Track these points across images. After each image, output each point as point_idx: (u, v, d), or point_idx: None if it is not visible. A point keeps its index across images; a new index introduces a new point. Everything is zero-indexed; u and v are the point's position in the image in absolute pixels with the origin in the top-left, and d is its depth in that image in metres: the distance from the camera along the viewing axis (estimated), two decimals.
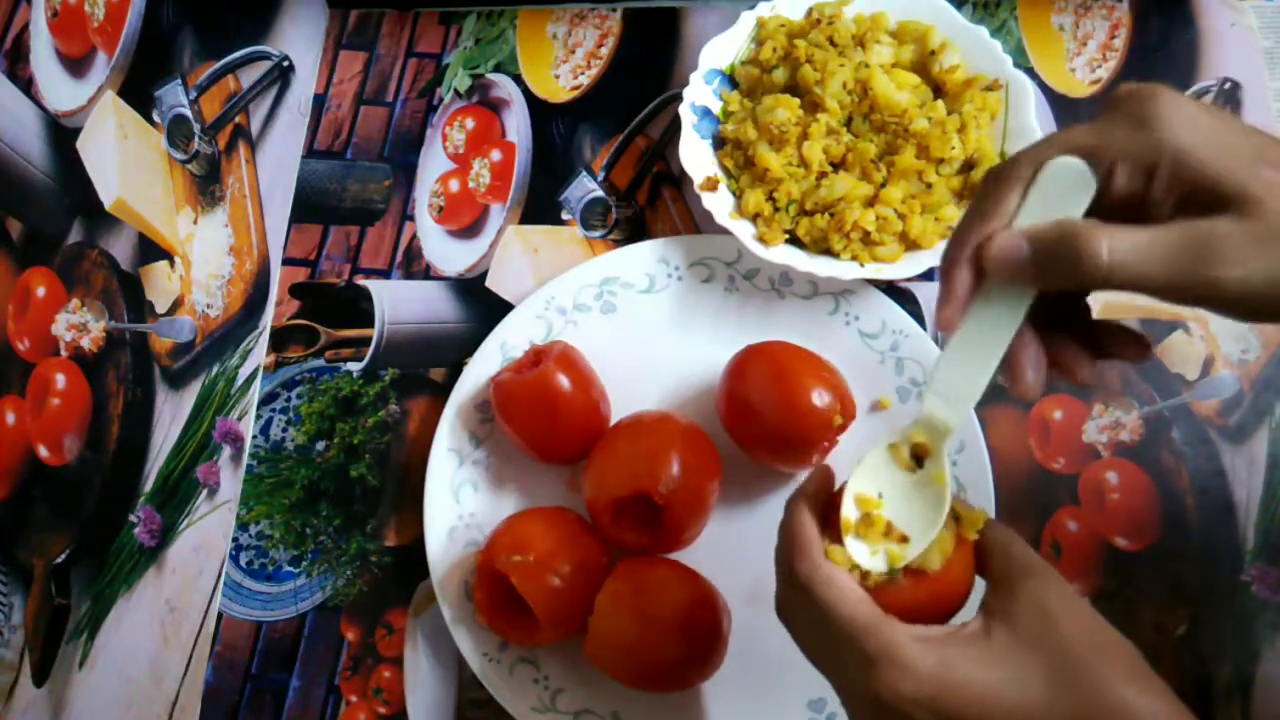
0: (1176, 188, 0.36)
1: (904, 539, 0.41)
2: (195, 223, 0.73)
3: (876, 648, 0.37)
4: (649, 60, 0.74)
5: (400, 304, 0.69)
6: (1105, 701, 0.36)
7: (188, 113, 0.76)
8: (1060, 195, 0.38)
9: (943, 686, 0.36)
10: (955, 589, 0.41)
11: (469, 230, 0.71)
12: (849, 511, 0.42)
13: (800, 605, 0.41)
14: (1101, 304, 0.63)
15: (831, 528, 0.42)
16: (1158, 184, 0.37)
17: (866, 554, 0.41)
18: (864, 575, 0.41)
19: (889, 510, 0.42)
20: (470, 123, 0.74)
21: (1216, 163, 0.36)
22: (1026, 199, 0.38)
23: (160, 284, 0.71)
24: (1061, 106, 0.69)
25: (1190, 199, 0.36)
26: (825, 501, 0.44)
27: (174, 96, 0.76)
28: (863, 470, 0.43)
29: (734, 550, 0.59)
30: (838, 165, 0.63)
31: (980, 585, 0.41)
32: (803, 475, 0.60)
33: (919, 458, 0.43)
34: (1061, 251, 0.37)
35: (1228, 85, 0.68)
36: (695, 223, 0.69)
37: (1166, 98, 0.37)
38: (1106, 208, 0.38)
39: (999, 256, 0.38)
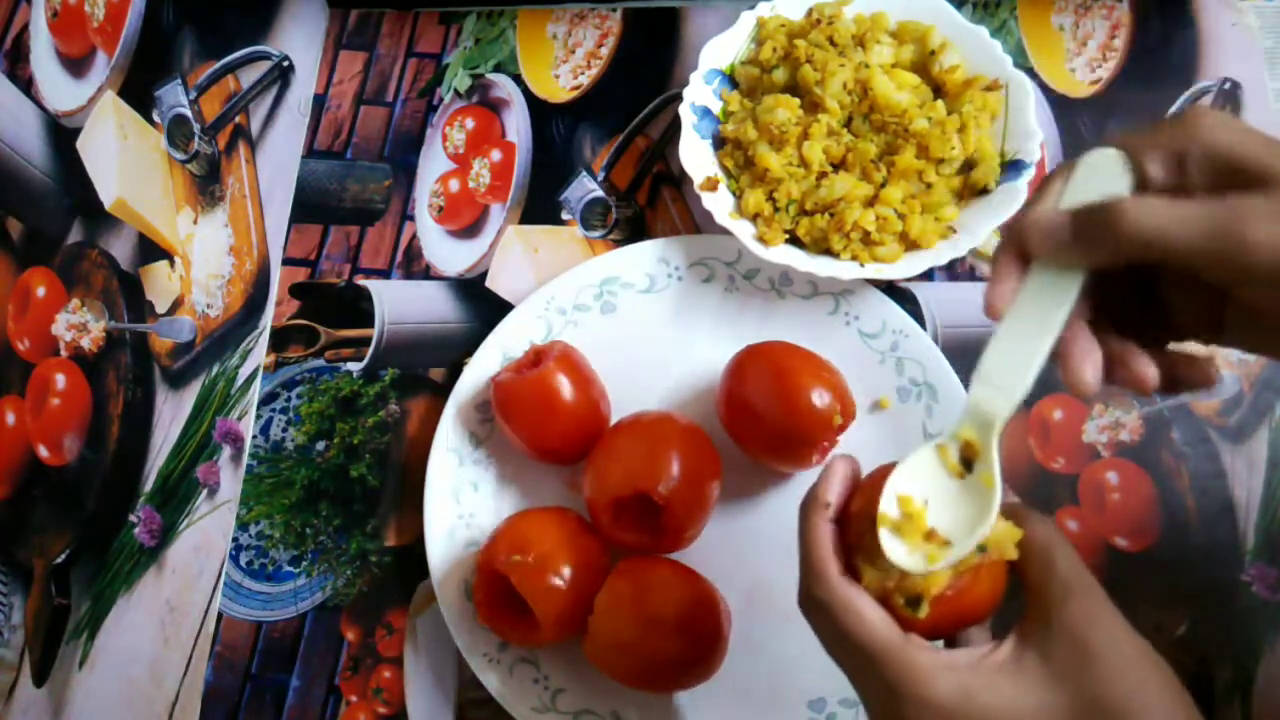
0: (1209, 173, 0.37)
1: (945, 543, 0.39)
2: (195, 223, 0.73)
3: (895, 675, 0.37)
4: (649, 60, 0.74)
5: (400, 304, 0.69)
6: None
7: (188, 113, 0.76)
8: (1099, 183, 0.39)
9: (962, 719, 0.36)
10: (980, 602, 0.39)
11: (469, 230, 0.71)
12: (888, 508, 0.40)
13: (818, 619, 0.40)
14: None
15: (851, 529, 0.40)
16: (1191, 170, 0.38)
17: (904, 553, 0.39)
18: (885, 590, 0.39)
19: (934, 517, 0.40)
20: (470, 123, 0.74)
21: (1244, 147, 0.37)
22: (1067, 186, 0.40)
23: (160, 284, 0.71)
24: (1061, 106, 0.69)
25: (1224, 186, 0.37)
26: (846, 500, 0.42)
27: (174, 96, 0.76)
28: (907, 469, 0.41)
29: (734, 550, 0.59)
30: (838, 165, 0.63)
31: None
32: (803, 475, 0.60)
33: (968, 461, 0.41)
34: (1096, 218, 0.38)
35: (1228, 85, 0.68)
36: (695, 223, 0.69)
37: (1201, 108, 0.40)
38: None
39: (1039, 229, 0.39)
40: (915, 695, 0.36)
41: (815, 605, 0.39)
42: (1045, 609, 0.37)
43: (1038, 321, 0.39)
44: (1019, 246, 0.40)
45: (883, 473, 0.41)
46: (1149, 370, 0.40)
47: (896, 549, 0.39)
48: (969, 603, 0.39)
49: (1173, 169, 0.38)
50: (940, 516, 0.40)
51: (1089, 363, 0.39)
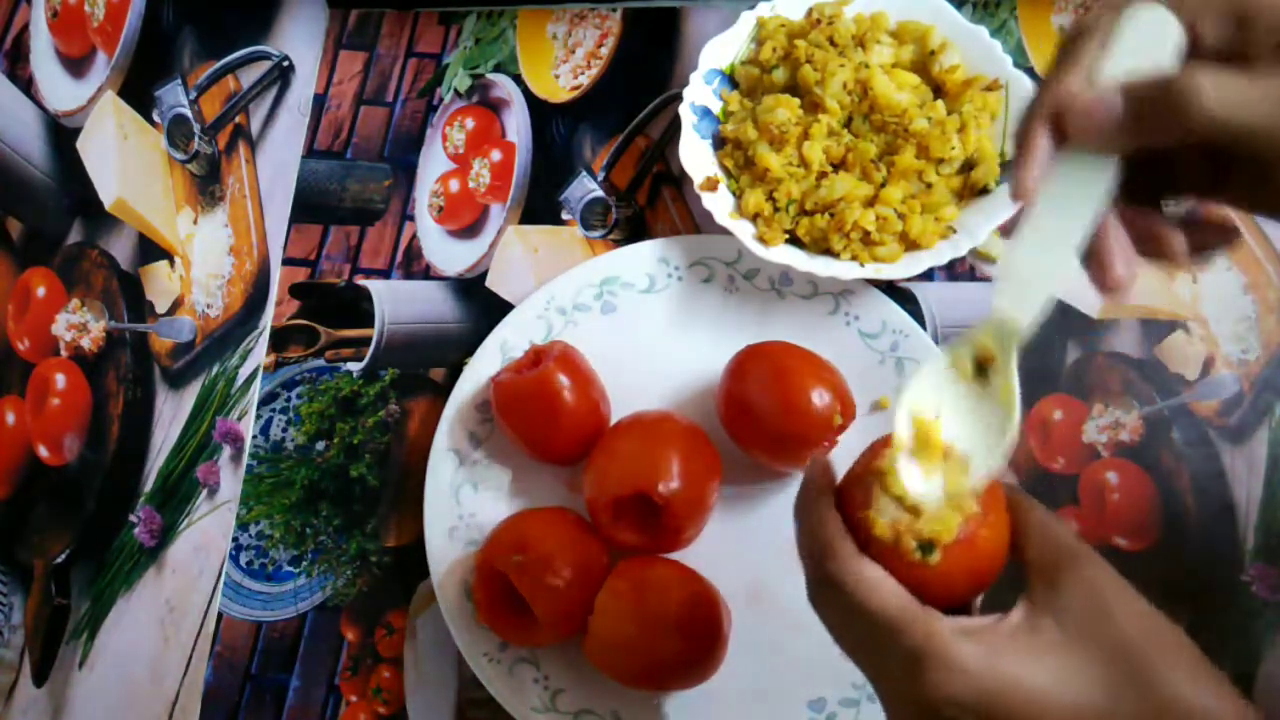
0: (1277, 31, 0.33)
1: (963, 464, 0.36)
2: (195, 223, 0.73)
3: (920, 645, 0.35)
4: (649, 60, 0.74)
5: (400, 304, 0.69)
6: (1170, 702, 0.34)
7: (188, 113, 0.76)
8: (1145, 48, 0.34)
9: (993, 687, 0.34)
10: (990, 561, 0.37)
11: (469, 230, 0.71)
12: (902, 430, 0.36)
13: (833, 600, 0.38)
14: (1100, 308, 0.63)
15: (853, 496, 0.38)
16: (1256, 30, 0.33)
17: (920, 478, 0.36)
18: (899, 554, 0.36)
19: (949, 430, 0.37)
20: (470, 123, 0.74)
21: None
22: (1110, 52, 0.35)
23: (160, 284, 0.71)
24: None
25: None
26: (841, 481, 0.40)
27: (174, 96, 0.76)
28: (919, 384, 0.37)
29: (734, 550, 0.59)
30: (838, 165, 0.63)
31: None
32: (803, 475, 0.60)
33: (983, 367, 0.37)
34: (1161, 101, 0.33)
35: None
36: (695, 223, 0.69)
37: None
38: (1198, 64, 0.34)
39: (1088, 113, 0.34)
40: (940, 661, 0.34)
41: (828, 583, 0.37)
42: (1052, 578, 0.36)
43: (1068, 215, 0.35)
44: (1055, 123, 0.35)
45: (880, 444, 0.39)
46: (1178, 241, 0.37)
47: (913, 475, 0.36)
48: (976, 561, 0.37)
49: (1230, 29, 0.34)
50: (957, 429, 0.37)
51: (1122, 259, 0.36)
